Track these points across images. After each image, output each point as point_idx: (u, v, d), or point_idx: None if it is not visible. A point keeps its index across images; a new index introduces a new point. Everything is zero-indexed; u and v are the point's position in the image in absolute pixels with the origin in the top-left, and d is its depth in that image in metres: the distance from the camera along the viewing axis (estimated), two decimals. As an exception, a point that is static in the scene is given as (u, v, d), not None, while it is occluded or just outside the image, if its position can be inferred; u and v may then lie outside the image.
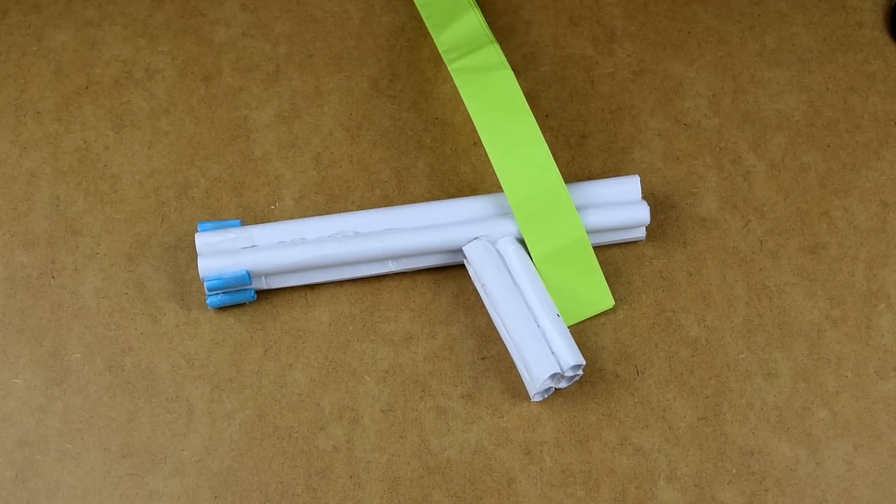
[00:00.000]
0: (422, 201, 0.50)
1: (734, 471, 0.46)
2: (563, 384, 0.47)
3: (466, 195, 0.49)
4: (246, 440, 0.46)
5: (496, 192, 0.50)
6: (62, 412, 0.46)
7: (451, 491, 0.45)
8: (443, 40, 0.52)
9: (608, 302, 0.48)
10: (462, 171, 0.51)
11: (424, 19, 0.53)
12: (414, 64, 0.54)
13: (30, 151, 0.50)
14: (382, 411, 0.47)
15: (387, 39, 0.54)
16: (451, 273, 0.49)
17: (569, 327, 0.48)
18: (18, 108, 0.51)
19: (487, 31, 0.50)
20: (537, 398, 0.47)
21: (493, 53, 0.49)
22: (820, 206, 0.51)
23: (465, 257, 0.48)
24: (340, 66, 0.53)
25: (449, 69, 0.50)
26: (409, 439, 0.46)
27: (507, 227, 0.48)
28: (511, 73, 0.49)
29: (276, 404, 0.47)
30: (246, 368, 0.47)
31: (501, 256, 0.47)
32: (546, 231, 0.47)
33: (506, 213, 0.48)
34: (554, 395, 0.47)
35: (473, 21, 0.51)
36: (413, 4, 0.55)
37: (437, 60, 0.54)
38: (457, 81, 0.49)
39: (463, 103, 0.53)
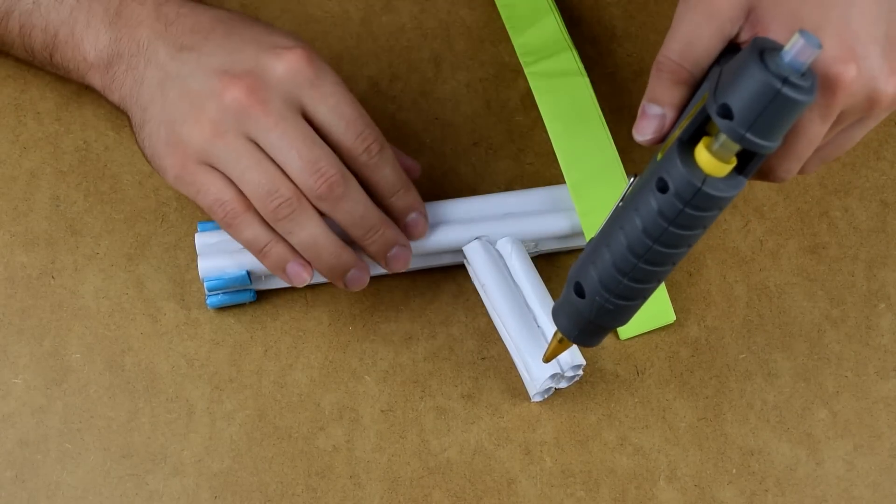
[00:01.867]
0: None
1: (734, 471, 0.46)
2: (563, 384, 0.46)
3: (466, 195, 0.49)
4: (246, 440, 0.46)
5: (496, 191, 0.50)
6: (62, 412, 0.46)
7: (451, 491, 0.45)
8: (521, 42, 0.52)
9: (669, 317, 0.48)
10: (462, 171, 0.51)
11: (504, 20, 0.53)
12: (414, 64, 0.53)
13: (30, 151, 0.50)
14: (382, 411, 0.47)
15: (387, 39, 0.54)
16: (451, 273, 0.49)
17: (624, 340, 0.48)
18: (18, 108, 0.51)
19: (566, 35, 0.50)
20: (537, 398, 0.47)
21: (570, 59, 0.49)
22: (820, 206, 0.51)
23: (465, 257, 0.48)
24: (340, 67, 0.53)
25: (525, 72, 0.50)
26: (409, 439, 0.46)
27: (507, 227, 0.48)
28: (587, 79, 0.49)
29: (276, 404, 0.47)
30: (246, 368, 0.47)
31: (501, 256, 0.47)
32: None
33: (507, 213, 0.48)
34: (554, 395, 0.47)
35: (552, 25, 0.50)
36: (412, 4, 0.55)
37: (436, 60, 0.54)
38: (532, 85, 0.49)
39: (465, 105, 0.52)
